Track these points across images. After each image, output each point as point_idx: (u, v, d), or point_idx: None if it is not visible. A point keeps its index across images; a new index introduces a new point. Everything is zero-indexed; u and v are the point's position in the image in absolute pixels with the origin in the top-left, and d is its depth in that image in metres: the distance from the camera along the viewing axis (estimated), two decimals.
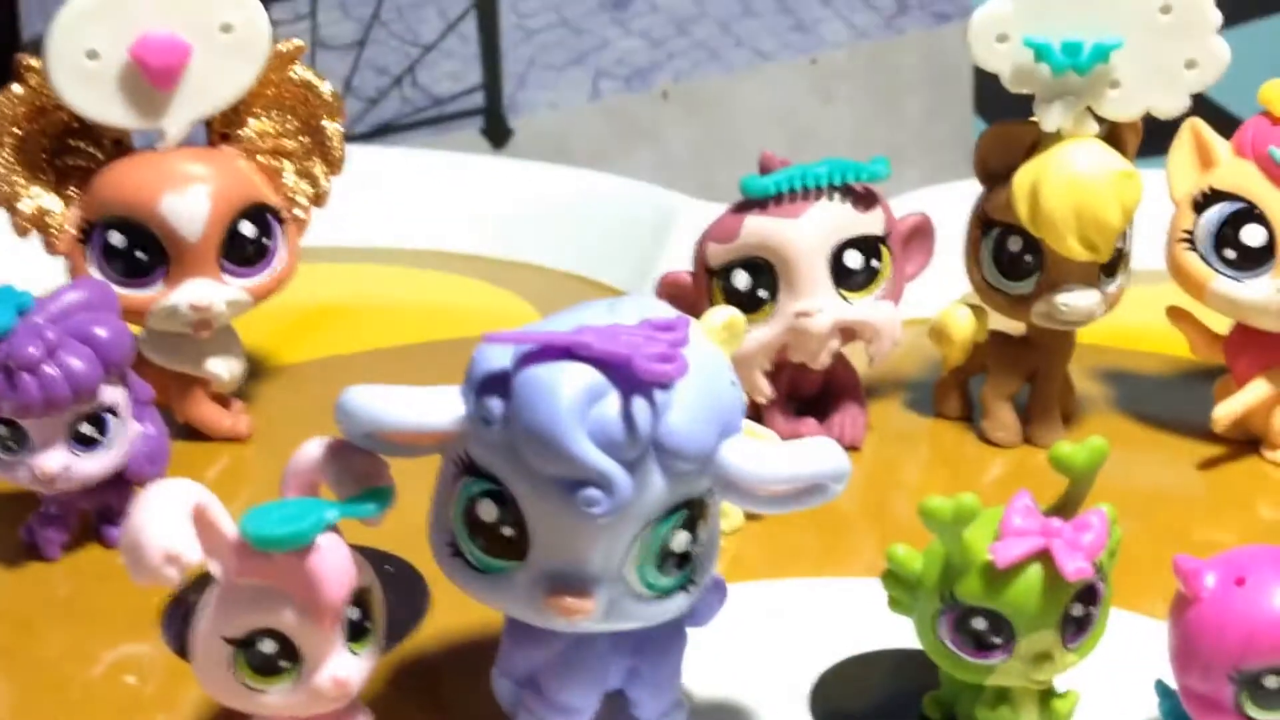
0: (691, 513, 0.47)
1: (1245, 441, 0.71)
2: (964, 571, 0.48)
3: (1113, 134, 0.68)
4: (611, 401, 0.44)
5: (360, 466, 0.48)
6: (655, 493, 0.45)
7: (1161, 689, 0.52)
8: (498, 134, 1.33)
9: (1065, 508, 0.50)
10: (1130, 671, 0.54)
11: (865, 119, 1.39)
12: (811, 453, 0.47)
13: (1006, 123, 0.69)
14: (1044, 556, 0.48)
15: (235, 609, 0.47)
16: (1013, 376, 0.72)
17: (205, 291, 0.64)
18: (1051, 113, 0.66)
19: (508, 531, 0.46)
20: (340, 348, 0.80)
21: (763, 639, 0.58)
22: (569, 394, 0.43)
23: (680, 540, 0.46)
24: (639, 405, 0.44)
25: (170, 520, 0.45)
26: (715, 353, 0.47)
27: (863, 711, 0.55)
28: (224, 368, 0.68)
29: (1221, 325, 0.71)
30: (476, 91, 1.32)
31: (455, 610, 0.57)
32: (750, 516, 0.65)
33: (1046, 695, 0.51)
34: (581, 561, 0.46)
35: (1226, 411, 0.70)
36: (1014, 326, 0.72)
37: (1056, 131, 0.67)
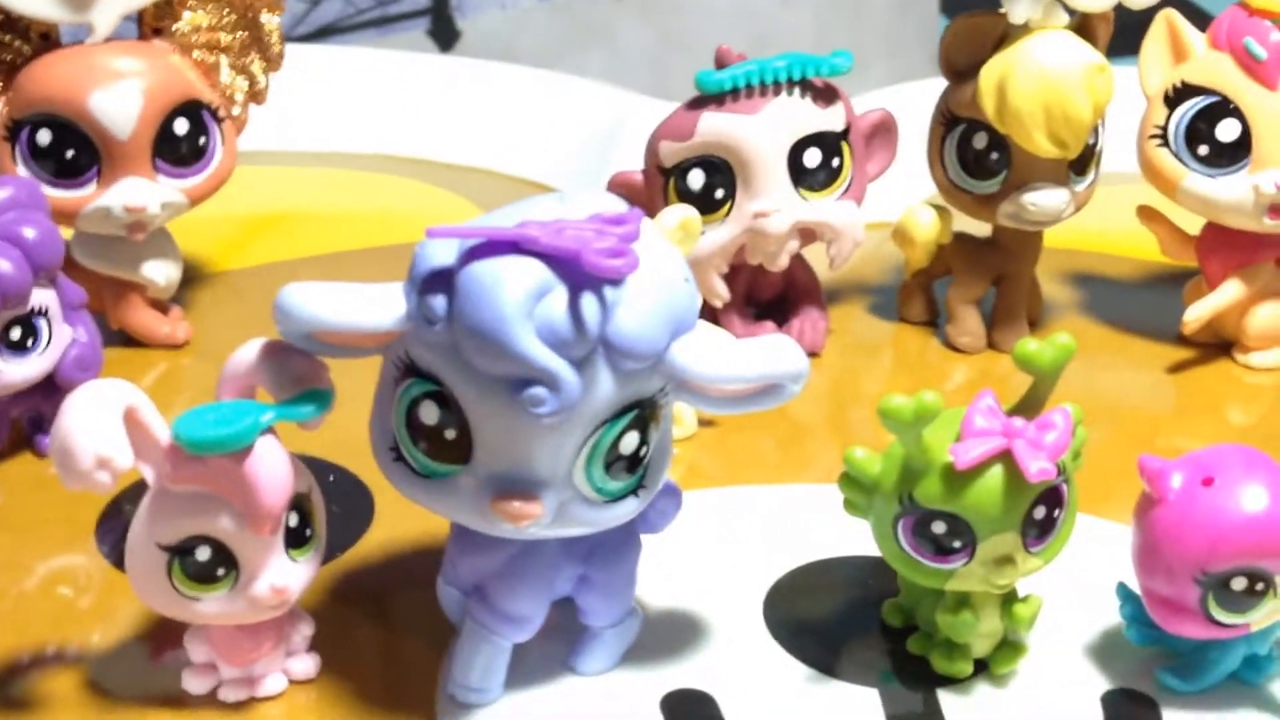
0: (642, 414, 0.45)
1: (1216, 345, 0.70)
2: (923, 474, 0.47)
3: (1083, 26, 0.66)
4: (558, 298, 0.42)
5: (298, 368, 0.46)
6: (604, 393, 0.43)
7: (1124, 592, 0.51)
8: (445, 36, 1.29)
9: (1029, 407, 0.48)
10: (1093, 575, 0.53)
11: (827, 18, 1.36)
12: (768, 352, 0.45)
13: (973, 14, 0.67)
14: (1005, 457, 0.46)
15: (169, 515, 0.45)
16: (978, 280, 0.70)
17: (139, 192, 0.62)
18: (1020, 3, 0.64)
19: (450, 434, 0.44)
20: (283, 254, 0.78)
21: (717, 547, 0.56)
22: (514, 290, 0.41)
23: (630, 442, 0.45)
24: (587, 302, 0.42)
25: (101, 422, 0.43)
26: (668, 249, 0.45)
27: (820, 619, 0.53)
28: (160, 272, 0.66)
29: (1193, 226, 0.70)
30: None
31: (400, 521, 0.55)
32: (705, 422, 0.63)
33: (1008, 600, 0.50)
34: (528, 465, 0.44)
35: (1197, 314, 0.68)
36: (980, 228, 0.71)
37: (1025, 23, 0.65)
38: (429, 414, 0.44)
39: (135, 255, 0.65)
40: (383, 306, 0.44)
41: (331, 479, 0.58)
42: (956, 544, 0.47)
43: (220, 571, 0.45)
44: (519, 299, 0.41)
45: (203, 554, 0.45)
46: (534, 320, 0.42)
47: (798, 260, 0.68)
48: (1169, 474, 0.48)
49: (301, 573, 0.47)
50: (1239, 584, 0.47)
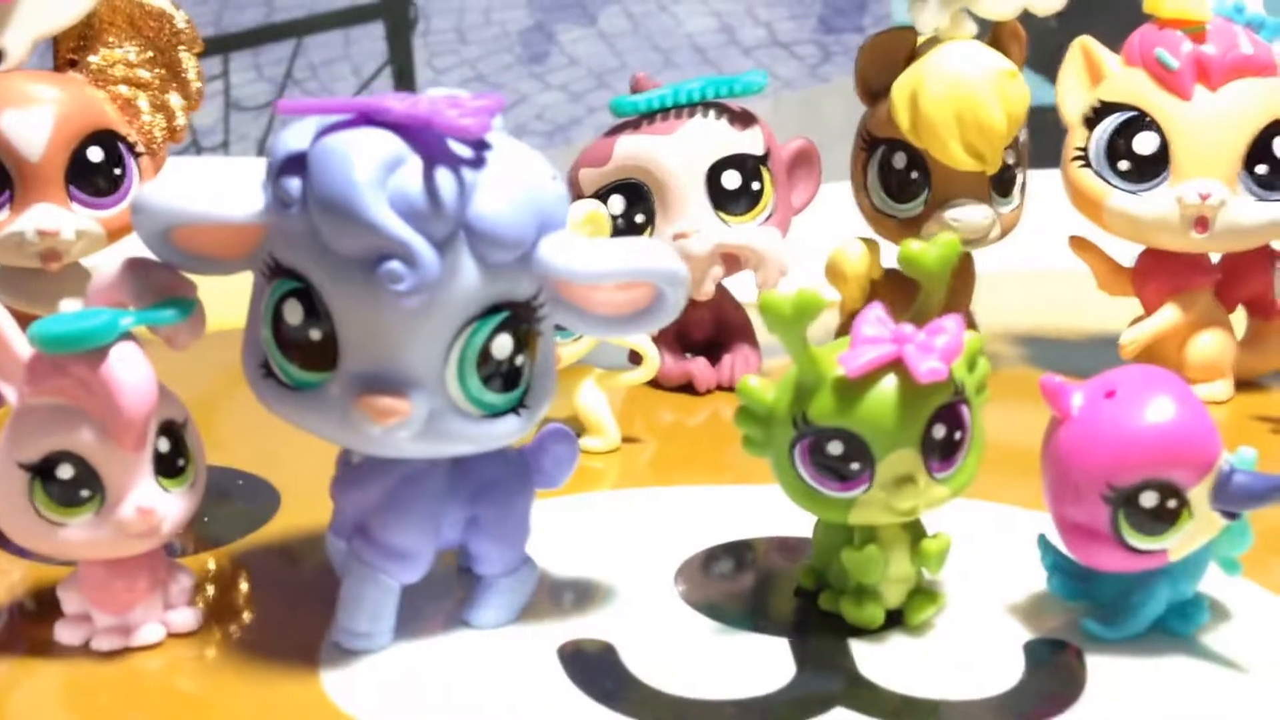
0: (515, 319, 0.44)
1: None
2: (815, 390, 0.45)
3: (994, 42, 0.67)
4: (413, 169, 0.42)
5: (161, 279, 0.45)
6: (469, 283, 0.43)
7: (1044, 543, 0.49)
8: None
9: (920, 315, 0.47)
10: (1014, 536, 0.51)
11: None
12: (639, 249, 0.45)
13: (882, 32, 0.68)
14: (898, 367, 0.45)
15: (30, 431, 0.44)
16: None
17: (52, 216, 0.62)
18: (926, 12, 0.65)
19: (316, 335, 0.43)
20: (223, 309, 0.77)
21: (629, 528, 0.55)
22: (365, 159, 0.41)
23: (503, 345, 0.44)
24: (444, 177, 0.42)
25: None
26: (534, 151, 0.45)
27: (731, 580, 0.51)
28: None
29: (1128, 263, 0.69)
30: None
31: (306, 514, 0.54)
32: (629, 438, 0.62)
33: (917, 537, 0.48)
34: (395, 361, 0.43)
35: (1135, 335, 0.67)
36: None
37: (934, 35, 0.66)
38: (293, 313, 0.43)
39: (53, 292, 0.64)
40: (241, 198, 0.43)
41: (240, 482, 0.57)
42: (855, 466, 0.45)
43: (84, 493, 0.44)
44: (370, 167, 0.41)
45: (65, 472, 0.44)
46: (387, 190, 0.41)
47: (727, 299, 0.68)
48: (1070, 392, 0.47)
49: (174, 504, 0.45)
50: (1149, 499, 0.45)
